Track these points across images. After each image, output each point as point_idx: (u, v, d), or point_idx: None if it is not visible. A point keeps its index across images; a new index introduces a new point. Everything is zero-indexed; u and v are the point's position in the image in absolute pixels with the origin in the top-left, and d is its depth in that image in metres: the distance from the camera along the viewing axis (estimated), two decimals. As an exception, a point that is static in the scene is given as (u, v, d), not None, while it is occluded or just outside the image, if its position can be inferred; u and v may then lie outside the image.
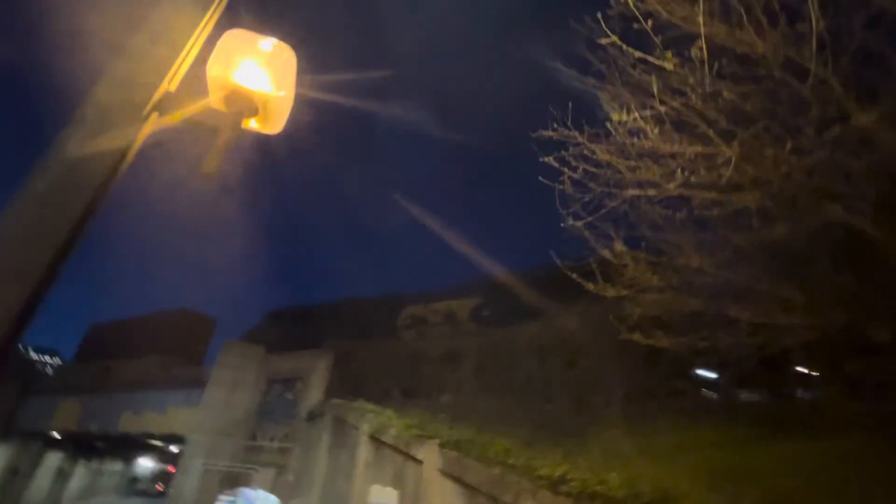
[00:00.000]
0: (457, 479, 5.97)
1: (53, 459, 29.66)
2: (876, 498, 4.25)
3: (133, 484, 37.10)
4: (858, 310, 4.95)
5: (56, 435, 27.62)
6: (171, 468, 30.61)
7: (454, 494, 5.94)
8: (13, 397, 28.08)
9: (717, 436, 6.42)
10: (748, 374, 6.39)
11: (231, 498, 15.82)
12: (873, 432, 5.16)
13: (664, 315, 5.99)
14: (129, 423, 22.88)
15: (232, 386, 18.16)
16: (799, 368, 6.16)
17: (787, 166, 3.92)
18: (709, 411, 7.27)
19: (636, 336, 5.80)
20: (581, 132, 5.19)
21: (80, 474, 32.26)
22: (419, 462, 7.09)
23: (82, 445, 30.50)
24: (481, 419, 9.43)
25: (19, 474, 27.59)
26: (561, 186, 5.34)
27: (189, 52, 2.16)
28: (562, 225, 5.78)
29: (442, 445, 6.74)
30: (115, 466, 36.38)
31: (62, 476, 30.61)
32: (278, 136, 2.40)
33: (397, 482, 7.71)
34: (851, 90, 4.04)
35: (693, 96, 3.98)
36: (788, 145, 3.75)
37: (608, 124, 4.62)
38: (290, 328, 24.09)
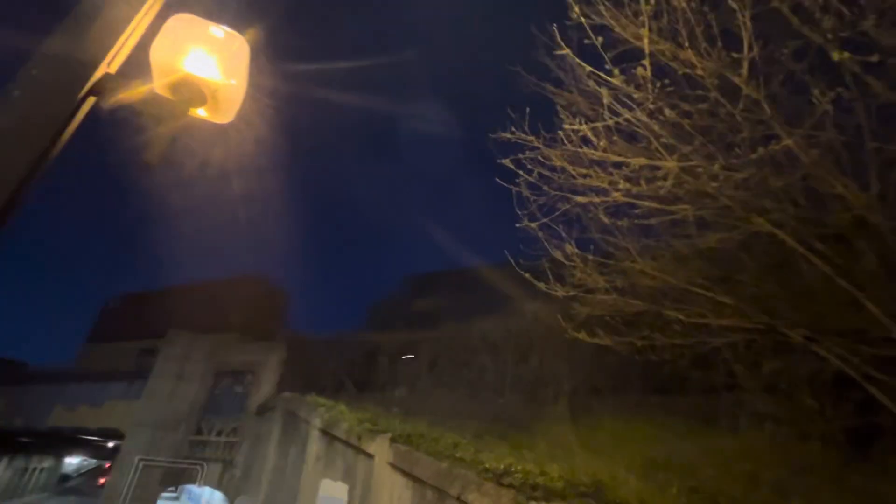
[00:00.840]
0: (406, 473, 6.05)
1: (-30, 457, 27.25)
2: (784, 484, 4.71)
3: (64, 482, 34.75)
4: (778, 313, 5.44)
5: (-27, 430, 25.34)
6: (107, 464, 28.91)
7: (403, 488, 6.02)
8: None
9: (652, 430, 6.86)
10: (682, 372, 6.86)
11: (174, 495, 15.21)
12: (786, 426, 5.71)
13: (609, 315, 6.31)
14: (60, 418, 21.38)
15: (176, 378, 17.39)
16: (724, 367, 6.69)
17: (720, 181, 4.24)
18: (647, 407, 7.75)
19: (581, 335, 6.08)
20: (538, 137, 5.37)
21: (3, 473, 29.80)
22: (370, 456, 7.12)
23: (5, 442, 28.16)
24: (435, 413, 9.57)
25: (-71, 473, 25.21)
26: (517, 188, 5.51)
27: (132, 32, 2.08)
28: (517, 225, 5.97)
29: (393, 439, 6.80)
30: (45, 463, 33.88)
31: (-20, 475, 28.20)
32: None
33: (348, 476, 7.70)
34: (780, 112, 4.42)
35: (639, 111, 4.22)
36: (719, 162, 4.06)
37: (561, 133, 4.81)
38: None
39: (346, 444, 8.07)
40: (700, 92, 4.16)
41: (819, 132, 4.19)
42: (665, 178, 4.33)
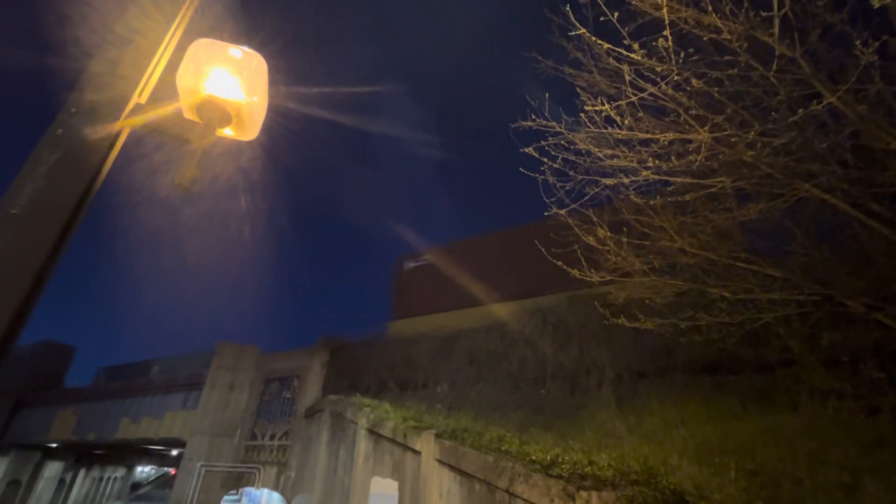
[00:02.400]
0: (453, 468, 6.10)
1: (53, 469, 29.56)
2: (853, 462, 4.44)
3: (136, 489, 37.18)
4: (834, 282, 5.11)
5: (53, 445, 27.46)
6: (172, 471, 30.66)
7: (451, 482, 6.08)
8: (8, 410, 27.83)
9: (703, 412, 6.61)
10: (732, 350, 6.57)
11: (235, 497, 15.99)
12: (849, 401, 5.37)
13: (648, 297, 6.12)
14: (127, 430, 22.83)
15: (229, 387, 18.18)
16: (779, 343, 6.35)
17: (757, 148, 4.01)
18: (696, 388, 7.47)
19: (621, 320, 5.93)
20: (559, 122, 5.25)
21: (82, 483, 32.20)
22: (417, 452, 7.22)
23: (82, 454, 30.41)
24: (477, 407, 9.60)
25: (20, 486, 27.46)
26: (542, 176, 5.41)
27: (158, 62, 2.18)
28: (545, 213, 5.87)
29: (438, 435, 6.87)
30: (117, 473, 36.39)
31: (63, 485, 30.52)
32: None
33: (397, 473, 7.85)
34: (820, 69, 4.14)
35: (664, 84, 4.05)
36: (756, 128, 3.83)
37: (582, 115, 4.68)
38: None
39: (393, 441, 8.21)
40: (728, 57, 3.94)
41: (865, 86, 3.90)
42: (697, 152, 4.13)
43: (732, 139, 3.92)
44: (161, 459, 37.36)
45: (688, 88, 4.00)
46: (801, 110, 3.63)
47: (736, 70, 3.89)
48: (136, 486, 38.65)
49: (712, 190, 4.61)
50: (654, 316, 6.02)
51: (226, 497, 15.63)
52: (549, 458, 4.84)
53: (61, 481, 29.94)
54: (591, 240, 5.93)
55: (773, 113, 4.06)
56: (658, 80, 4.07)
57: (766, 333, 6.35)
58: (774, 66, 3.73)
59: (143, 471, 40.33)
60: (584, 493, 4.11)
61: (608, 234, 5.80)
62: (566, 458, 4.74)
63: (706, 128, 3.93)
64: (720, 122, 4.10)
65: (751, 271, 5.42)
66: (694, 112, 4.04)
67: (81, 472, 31.72)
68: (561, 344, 10.07)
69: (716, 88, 3.94)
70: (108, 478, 35.08)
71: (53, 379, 30.38)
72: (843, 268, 5.38)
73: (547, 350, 10.17)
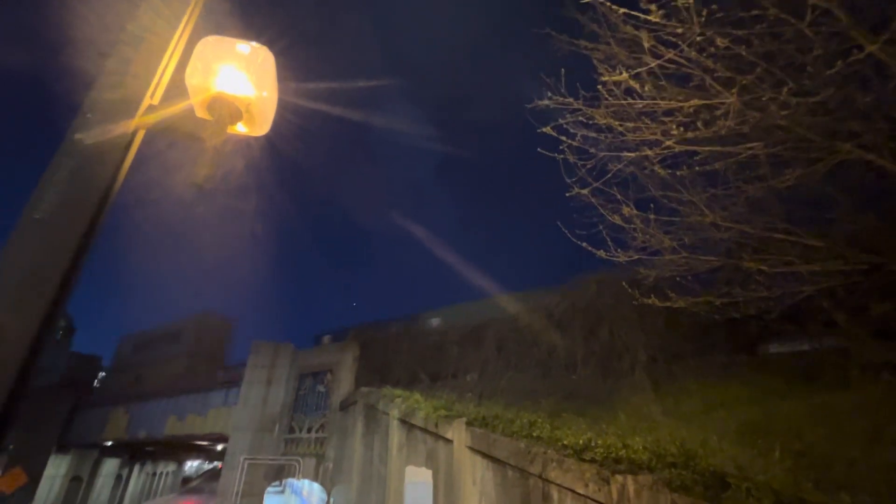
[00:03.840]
0: (485, 455, 6.09)
1: (110, 466, 31.45)
2: (911, 439, 4.16)
3: (186, 483, 39.15)
4: (883, 250, 4.77)
5: (109, 444, 29.15)
6: (220, 465, 32.06)
7: (484, 469, 6.07)
8: (67, 412, 29.68)
9: (745, 392, 6.36)
10: (773, 326, 6.27)
11: (279, 488, 16.60)
12: (906, 374, 5.04)
13: (680, 275, 5.89)
14: (174, 427, 23.97)
15: (266, 383, 18.78)
16: (824, 316, 6.01)
17: (792, 108, 3.74)
18: (735, 368, 7.19)
19: (652, 300, 5.73)
20: (577, 98, 5.07)
21: (137, 478, 34.13)
22: (449, 441, 7.25)
23: (135, 451, 32.21)
24: (507, 395, 9.57)
25: (81, 482, 29.33)
26: (561, 156, 5.25)
27: (168, 63, 2.18)
28: (567, 195, 5.71)
29: (469, 423, 6.87)
30: (168, 468, 38.42)
31: (120, 481, 32.45)
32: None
33: (430, 461, 7.92)
34: (859, 19, 3.82)
35: (686, 47, 3.82)
36: (789, 87, 3.57)
37: (600, 87, 4.48)
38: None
39: (425, 431, 8.28)
40: (756, 12, 3.68)
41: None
42: (726, 117, 3.90)
43: (764, 100, 3.67)
44: (208, 454, 39.20)
45: (712, 50, 3.77)
46: (839, 62, 3.35)
47: (764, 25, 3.62)
48: (186, 480, 40.74)
49: (743, 157, 4.35)
50: (686, 294, 5.79)
51: (269, 488, 16.22)
52: (581, 442, 4.75)
53: (118, 477, 31.85)
54: (616, 219, 5.74)
55: (808, 69, 3.78)
56: (679, 43, 3.85)
57: (810, 307, 6.02)
58: (808, 18, 3.46)
59: (192, 465, 42.44)
60: (618, 477, 4.01)
61: (634, 211, 5.60)
62: (599, 443, 4.63)
63: (734, 90, 3.69)
64: (749, 84, 3.85)
65: (790, 242, 5.12)
66: (720, 75, 3.80)
67: (136, 468, 33.63)
68: (591, 328, 9.88)
69: (743, 47, 3.69)
70: (161, 473, 37.09)
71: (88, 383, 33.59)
72: (892, 234, 5.01)
73: (577, 335, 10.00)
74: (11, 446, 24.56)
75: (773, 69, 3.72)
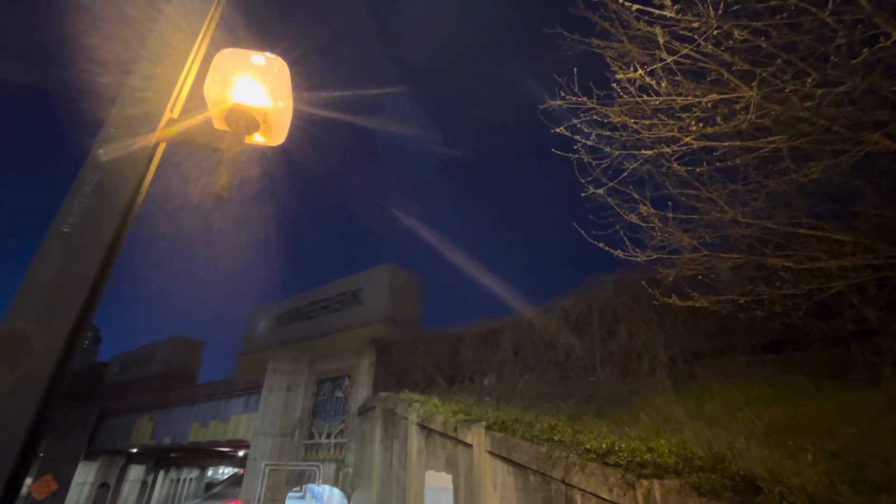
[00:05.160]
0: (506, 459, 6.04)
1: (137, 473, 32.11)
2: (952, 440, 3.99)
3: (209, 489, 39.73)
4: (915, 242, 4.60)
5: (135, 450, 29.78)
6: (241, 471, 32.49)
7: (505, 474, 6.02)
8: (94, 419, 30.44)
9: (769, 391, 6.17)
10: (799, 324, 6.08)
11: (299, 494, 16.73)
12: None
13: (701, 274, 5.77)
14: (197, 434, 24.36)
15: (286, 390, 18.98)
16: (853, 313, 5.81)
17: (815, 100, 3.64)
18: (758, 367, 6.99)
19: (672, 299, 5.62)
20: (590, 97, 5.02)
21: (161, 484, 34.77)
22: (468, 445, 7.21)
23: (160, 457, 32.84)
24: (525, 398, 9.47)
25: (108, 489, 29.98)
26: (575, 156, 5.20)
27: (186, 77, 2.23)
28: (582, 194, 5.65)
29: (488, 427, 6.82)
30: (192, 474, 39.07)
31: (146, 487, 33.09)
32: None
33: (450, 466, 7.88)
34: (883, 5, 3.70)
35: (702, 41, 3.75)
36: (811, 78, 3.47)
37: (614, 85, 4.43)
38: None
39: (444, 435, 8.25)
40: (774, 2, 3.59)
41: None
42: (745, 111, 3.81)
43: (786, 91, 3.58)
44: (231, 460, 39.72)
45: (730, 43, 3.69)
46: (865, 50, 3.25)
47: (784, 16, 3.54)
48: (209, 485, 41.31)
49: (765, 152, 4.24)
50: (708, 293, 5.67)
51: (290, 493, 16.35)
52: (604, 446, 4.67)
53: (144, 483, 32.50)
54: (633, 218, 5.66)
55: (831, 58, 3.67)
56: (696, 37, 3.78)
57: (838, 303, 5.83)
58: (829, 7, 3.36)
59: (216, 471, 43.04)
60: (644, 482, 3.93)
61: (652, 210, 5.50)
62: (623, 446, 4.55)
63: (753, 84, 3.61)
64: (769, 77, 3.76)
65: (815, 237, 4.98)
66: (738, 68, 3.72)
67: (161, 474, 34.28)
68: (608, 329, 9.74)
69: (762, 39, 3.60)
70: (185, 479, 37.72)
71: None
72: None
73: (594, 336, 9.87)
74: (42, 454, 25.29)
75: (795, 60, 3.62)
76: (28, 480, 22.20)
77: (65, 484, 25.27)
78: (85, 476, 28.96)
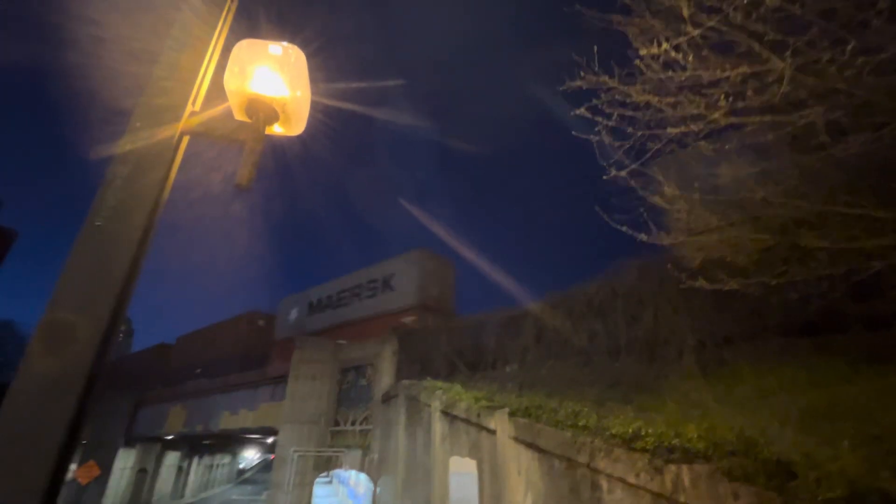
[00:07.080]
0: (530, 445, 6.05)
1: (172, 458, 33.56)
2: None
3: (241, 475, 41.26)
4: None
5: (170, 437, 31.07)
6: (272, 457, 33.61)
7: (530, 460, 6.03)
8: (132, 408, 31.84)
9: (804, 376, 5.98)
10: (835, 306, 5.86)
11: (327, 479, 17.22)
12: None
13: (730, 256, 5.59)
14: (228, 421, 25.24)
15: (311, 378, 19.43)
16: (894, 293, 5.54)
17: (854, 69, 3.43)
18: (792, 351, 6.78)
19: (699, 283, 5.47)
20: (611, 76, 4.87)
21: (196, 469, 36.28)
22: (492, 431, 7.25)
23: (194, 444, 34.20)
24: (549, 384, 9.44)
25: (146, 474, 31.44)
26: (596, 138, 5.07)
27: (206, 70, 2.24)
28: (604, 177, 5.52)
29: (512, 413, 6.83)
30: (224, 460, 40.60)
31: (181, 472, 34.58)
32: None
33: (474, 452, 7.95)
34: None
35: (732, 11, 3.57)
36: (851, 46, 3.27)
37: (638, 62, 4.27)
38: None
39: (467, 422, 8.31)
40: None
41: None
42: (778, 84, 3.63)
43: (822, 62, 3.38)
44: (261, 447, 41.11)
45: (761, 12, 3.50)
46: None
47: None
48: (241, 471, 42.89)
49: (799, 126, 4.04)
50: (737, 275, 5.49)
51: (318, 479, 16.83)
52: (630, 431, 4.62)
53: (179, 468, 33.97)
54: (658, 199, 5.51)
55: (872, 23, 3.45)
56: (724, 7, 3.60)
57: (879, 284, 5.58)
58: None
59: (247, 457, 44.60)
60: (672, 467, 3.88)
61: (676, 192, 5.34)
62: (649, 431, 4.49)
63: (787, 54, 3.42)
64: (803, 47, 3.57)
65: (853, 215, 4.74)
66: (769, 38, 3.54)
67: (195, 460, 35.73)
68: (633, 314, 9.58)
69: (796, 6, 3.40)
70: (217, 464, 39.25)
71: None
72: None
73: (619, 321, 9.73)
74: (85, 441, 26.64)
75: (832, 28, 3.41)
76: (73, 466, 23.46)
77: (106, 469, 26.57)
78: (125, 462, 30.44)
